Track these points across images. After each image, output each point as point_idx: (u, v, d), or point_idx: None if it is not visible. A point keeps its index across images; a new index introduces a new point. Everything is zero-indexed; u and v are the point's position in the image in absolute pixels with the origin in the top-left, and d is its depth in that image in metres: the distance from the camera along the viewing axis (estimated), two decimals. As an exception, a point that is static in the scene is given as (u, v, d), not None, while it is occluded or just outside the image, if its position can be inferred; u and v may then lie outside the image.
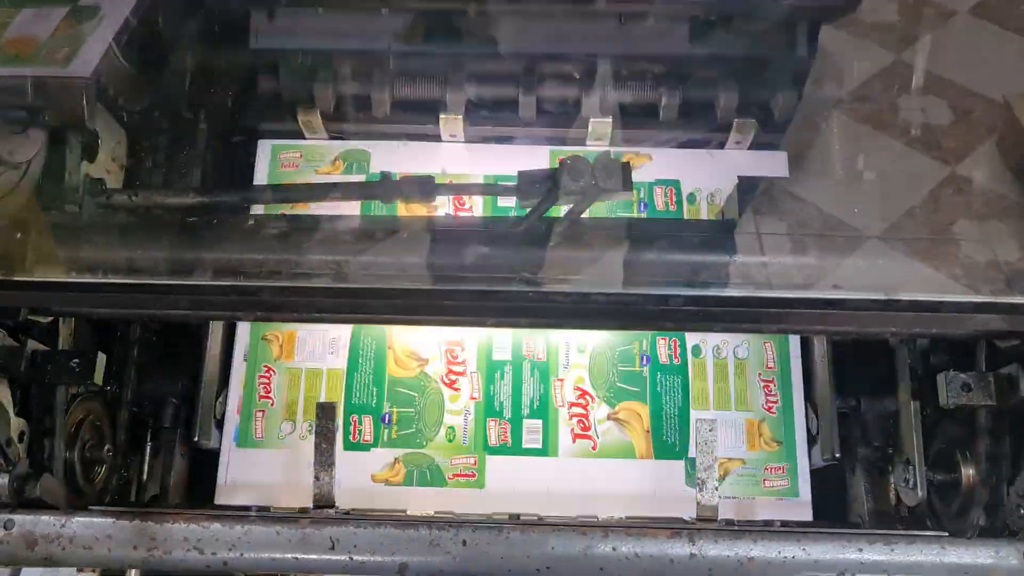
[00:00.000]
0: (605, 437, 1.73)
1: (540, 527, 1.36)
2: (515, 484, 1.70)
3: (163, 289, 1.35)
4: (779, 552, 1.33)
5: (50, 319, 1.48)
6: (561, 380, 1.76)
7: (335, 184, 1.67)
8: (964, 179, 1.65)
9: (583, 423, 1.74)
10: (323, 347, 1.77)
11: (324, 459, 1.48)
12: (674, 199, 1.85)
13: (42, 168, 1.43)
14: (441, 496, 1.69)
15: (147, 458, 1.77)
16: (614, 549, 1.34)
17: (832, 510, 1.74)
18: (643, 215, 1.84)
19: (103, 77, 1.47)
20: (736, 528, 1.37)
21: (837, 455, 1.67)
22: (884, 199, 1.60)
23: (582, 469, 1.71)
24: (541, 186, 1.50)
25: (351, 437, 1.72)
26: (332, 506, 1.47)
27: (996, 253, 1.43)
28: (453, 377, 1.77)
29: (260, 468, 1.71)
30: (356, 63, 1.80)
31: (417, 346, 1.78)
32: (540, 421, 1.74)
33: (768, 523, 1.62)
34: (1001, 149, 1.73)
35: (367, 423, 1.73)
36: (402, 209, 1.71)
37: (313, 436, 1.52)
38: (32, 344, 1.45)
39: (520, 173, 1.54)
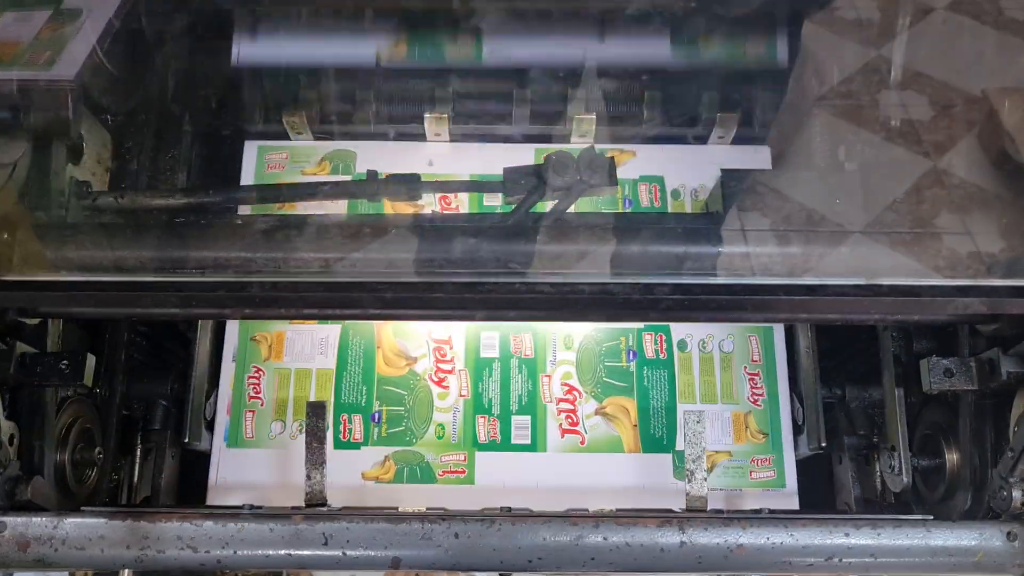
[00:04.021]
0: (593, 432, 1.74)
1: (531, 518, 1.37)
2: (505, 480, 1.71)
3: (151, 287, 1.36)
4: (767, 538, 1.34)
5: (38, 321, 1.48)
6: (549, 376, 1.77)
7: (322, 184, 1.67)
8: (945, 172, 1.66)
9: (571, 418, 1.74)
10: (312, 347, 1.78)
11: (315, 458, 1.49)
12: (658, 195, 1.86)
13: (28, 171, 1.43)
14: (431, 493, 1.70)
15: (138, 460, 1.77)
16: (604, 539, 1.35)
17: (819, 500, 1.76)
18: (628, 211, 1.85)
19: (87, 79, 1.47)
20: (725, 516, 1.38)
21: (823, 444, 1.69)
22: (866, 192, 1.61)
23: (571, 464, 1.72)
24: (527, 182, 1.52)
25: (341, 436, 1.73)
26: (324, 504, 1.48)
27: (977, 244, 1.45)
28: (442, 375, 1.77)
29: (251, 468, 1.71)
30: (340, 72, 1.81)
31: (405, 345, 1.79)
32: (528, 417, 1.75)
33: (756, 511, 1.63)
34: (981, 143, 1.75)
35: (357, 422, 1.73)
36: (388, 208, 1.72)
37: (303, 435, 1.52)
38: (21, 346, 1.45)
39: (506, 169, 1.56)
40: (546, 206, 1.56)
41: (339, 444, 1.72)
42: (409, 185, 1.58)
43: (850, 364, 1.80)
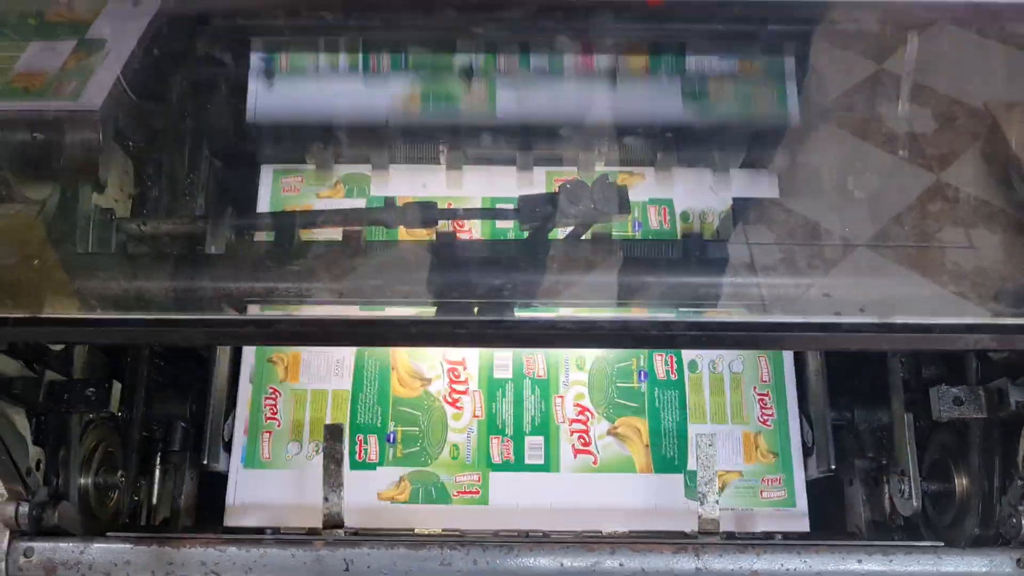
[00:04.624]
0: (605, 452, 1.75)
1: (548, 544, 1.40)
2: (518, 500, 1.72)
3: (175, 322, 1.37)
4: (781, 564, 1.37)
5: (63, 347, 1.50)
6: (561, 397, 1.79)
7: (338, 211, 1.68)
8: (949, 187, 1.68)
9: (584, 439, 1.76)
10: (328, 369, 1.79)
11: (333, 480, 1.51)
12: (667, 218, 1.88)
13: (57, 205, 1.45)
14: (446, 513, 1.71)
15: (157, 481, 1.79)
16: (621, 565, 1.38)
17: (828, 521, 1.77)
18: (637, 234, 1.86)
19: (111, 109, 1.48)
20: (739, 542, 1.41)
21: (833, 466, 1.70)
22: (871, 211, 1.63)
23: (584, 484, 1.74)
24: (541, 210, 1.54)
25: (357, 456, 1.74)
26: (341, 526, 1.50)
27: (983, 261, 1.46)
28: (456, 396, 1.79)
29: (268, 489, 1.73)
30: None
31: (420, 366, 1.81)
32: (542, 437, 1.76)
33: (769, 535, 1.66)
34: (985, 157, 1.76)
35: (372, 442, 1.75)
36: (403, 231, 1.73)
37: (320, 456, 1.54)
38: (49, 374, 1.47)
39: (520, 197, 1.57)
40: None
41: (355, 464, 1.74)
42: (425, 212, 1.60)
43: (859, 385, 1.81)
